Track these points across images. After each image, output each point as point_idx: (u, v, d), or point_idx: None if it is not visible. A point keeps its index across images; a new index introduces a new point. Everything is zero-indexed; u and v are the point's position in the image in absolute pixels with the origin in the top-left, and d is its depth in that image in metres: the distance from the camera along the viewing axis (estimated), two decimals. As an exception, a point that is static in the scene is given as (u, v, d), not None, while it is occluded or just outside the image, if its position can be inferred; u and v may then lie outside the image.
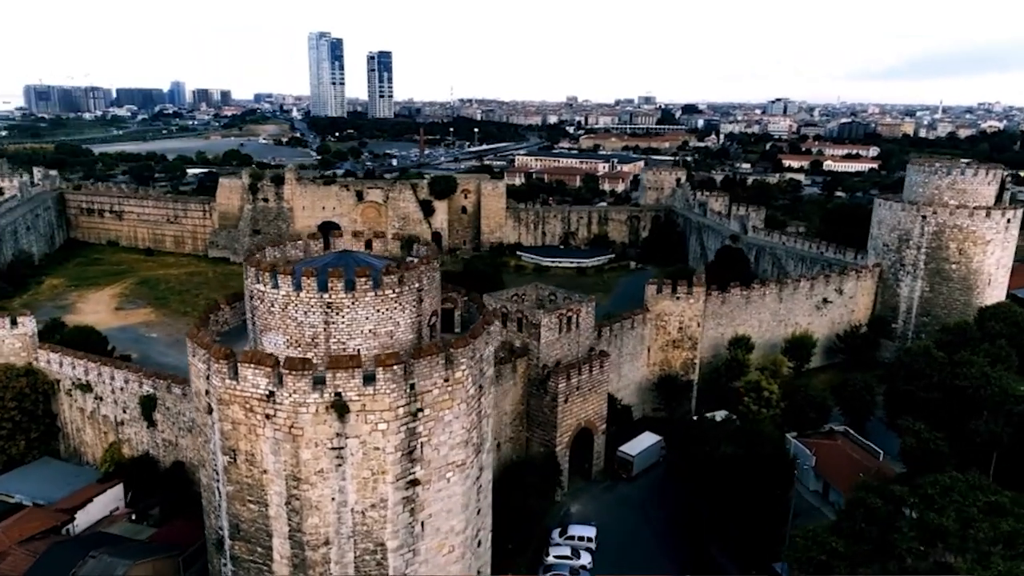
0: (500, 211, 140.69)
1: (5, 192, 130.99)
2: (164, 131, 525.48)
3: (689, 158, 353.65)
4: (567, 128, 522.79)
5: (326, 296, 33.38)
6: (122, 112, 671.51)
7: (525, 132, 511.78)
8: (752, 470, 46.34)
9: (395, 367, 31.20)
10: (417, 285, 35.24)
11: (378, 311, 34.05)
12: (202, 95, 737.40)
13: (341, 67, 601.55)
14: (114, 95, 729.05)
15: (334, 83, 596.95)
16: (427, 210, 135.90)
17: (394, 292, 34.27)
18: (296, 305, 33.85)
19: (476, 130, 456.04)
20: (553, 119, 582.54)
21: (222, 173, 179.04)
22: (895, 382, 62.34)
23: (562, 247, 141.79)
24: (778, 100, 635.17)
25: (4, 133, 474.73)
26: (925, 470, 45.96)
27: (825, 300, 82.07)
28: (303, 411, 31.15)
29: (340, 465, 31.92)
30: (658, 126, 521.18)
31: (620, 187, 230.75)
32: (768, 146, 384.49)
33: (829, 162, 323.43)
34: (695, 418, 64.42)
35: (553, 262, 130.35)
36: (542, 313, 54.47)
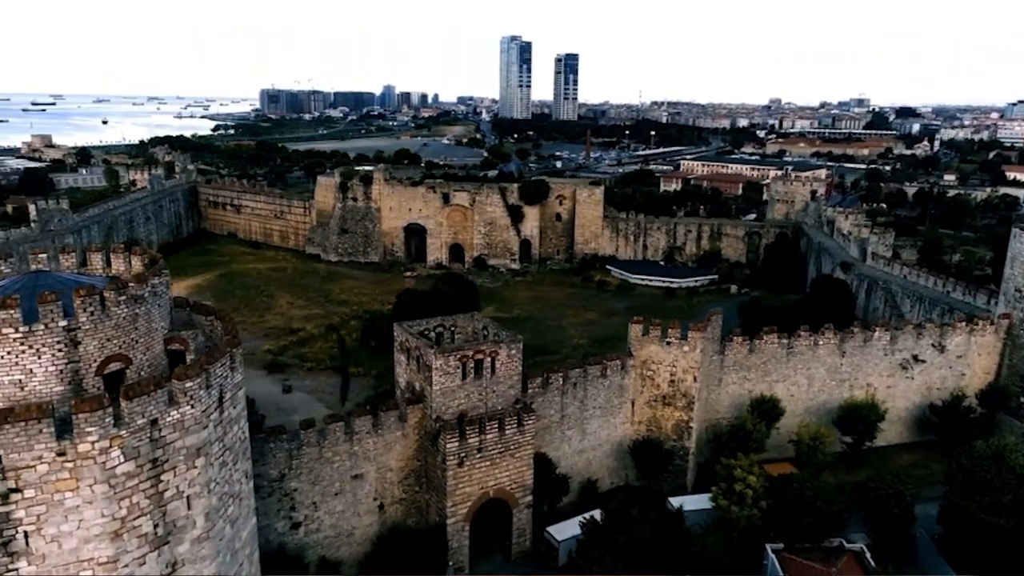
0: (596, 220, 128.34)
1: (138, 184, 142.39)
2: (364, 131, 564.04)
3: (888, 167, 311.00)
4: (757, 132, 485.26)
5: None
6: (336, 114, 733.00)
7: (708, 135, 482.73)
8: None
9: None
10: (64, 323, 27.25)
11: (-1, 355, 26.43)
12: (405, 98, 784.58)
13: (528, 70, 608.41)
14: (331, 98, 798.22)
15: (521, 85, 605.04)
16: (516, 216, 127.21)
17: (17, 331, 26.55)
18: None
19: (653, 133, 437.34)
20: (744, 122, 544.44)
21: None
22: (951, 490, 43.66)
23: (663, 263, 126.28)
24: (1021, 102, 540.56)
25: (232, 131, 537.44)
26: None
27: (916, 358, 61.94)
28: None
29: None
30: (863, 131, 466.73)
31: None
32: (992, 155, 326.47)
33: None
34: (670, 502, 50.09)
35: (641, 279, 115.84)
36: (435, 353, 44.05)
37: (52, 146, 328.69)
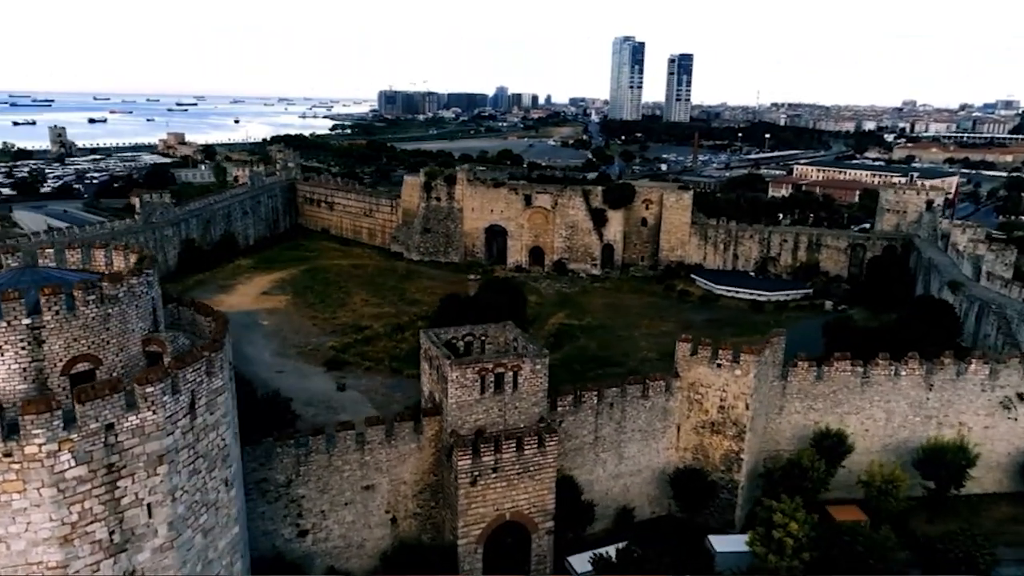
0: (683, 226, 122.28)
1: (240, 180, 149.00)
2: (473, 132, 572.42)
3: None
4: (884, 136, 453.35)
5: None
6: (448, 114, 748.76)
7: (829, 139, 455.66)
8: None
9: None
10: (28, 321, 26.87)
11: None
12: (516, 99, 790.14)
13: (640, 70, 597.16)
14: (445, 99, 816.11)
15: (632, 86, 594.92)
16: (599, 219, 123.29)
17: (-29, 326, 26.28)
18: None
19: (767, 136, 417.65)
20: (870, 125, 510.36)
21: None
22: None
23: (754, 274, 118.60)
24: None
25: (348, 131, 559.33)
26: None
27: (1021, 396, 53.81)
28: None
29: None
30: (1008, 136, 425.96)
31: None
32: None
33: None
34: (708, 541, 45.52)
35: (726, 291, 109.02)
36: (452, 364, 41.78)
37: (184, 143, 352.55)
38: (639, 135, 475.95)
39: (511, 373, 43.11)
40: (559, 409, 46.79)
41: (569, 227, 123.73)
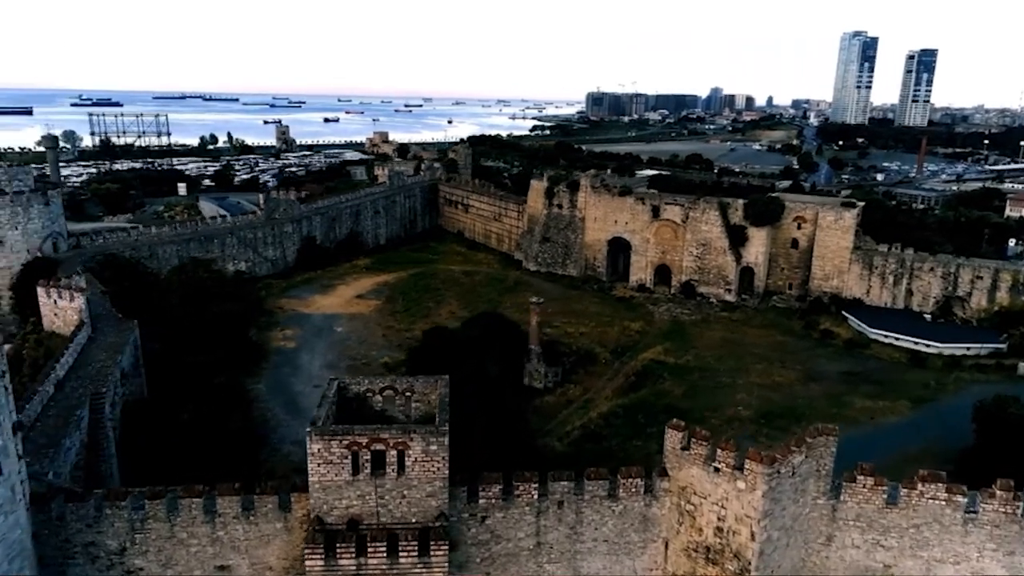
0: (842, 251, 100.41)
1: (379, 179, 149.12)
2: (675, 134, 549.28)
3: None
4: None
5: None
6: (654, 116, 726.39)
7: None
8: None
9: None
10: None
11: None
12: (728, 101, 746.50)
13: (870, 69, 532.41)
14: (652, 101, 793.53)
15: (858, 86, 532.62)
16: (737, 238, 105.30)
17: None
18: None
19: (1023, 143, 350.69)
20: None
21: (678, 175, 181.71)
22: None
23: (931, 317, 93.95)
24: None
25: (548, 132, 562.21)
26: None
27: None
28: None
29: None
30: None
31: None
32: None
33: None
34: None
35: (883, 335, 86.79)
36: (312, 434, 32.07)
37: (386, 142, 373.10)
38: (861, 140, 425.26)
39: (394, 452, 32.48)
40: (481, 502, 35.18)
41: (701, 244, 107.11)
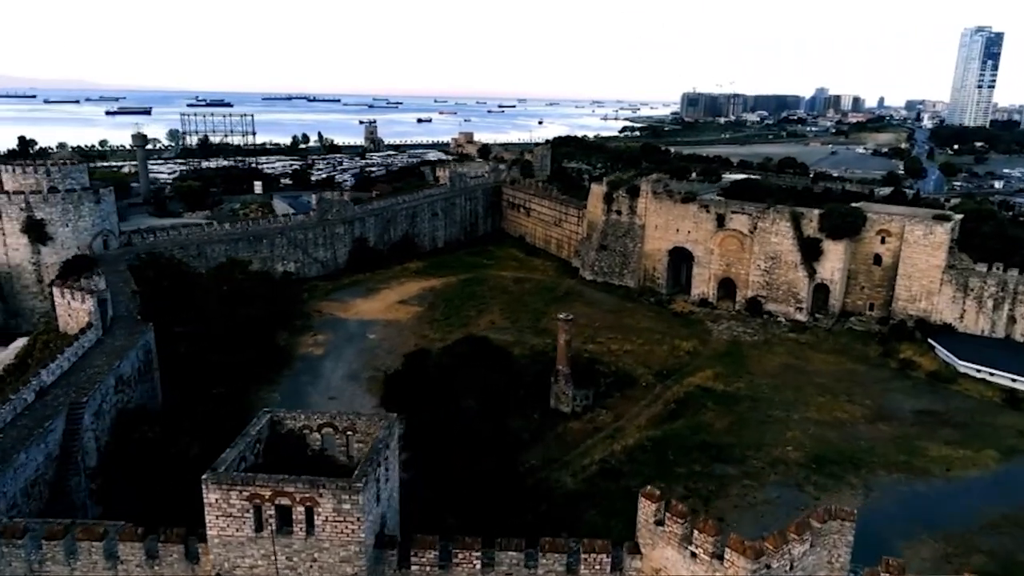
0: (933, 270, 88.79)
1: (440, 180, 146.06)
2: (772, 136, 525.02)
3: None
4: None
5: None
6: (752, 117, 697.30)
7: None
8: None
9: None
10: None
11: None
12: (834, 101, 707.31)
13: (994, 67, 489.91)
14: (751, 102, 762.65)
15: (980, 86, 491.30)
16: (811, 252, 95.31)
17: None
18: None
19: None
20: None
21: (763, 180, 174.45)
22: None
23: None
24: None
25: (637, 133, 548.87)
26: None
27: None
28: None
29: None
30: None
31: None
32: None
33: None
34: None
35: (974, 368, 75.39)
36: (208, 481, 27.66)
37: (471, 142, 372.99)
38: (980, 144, 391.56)
39: (302, 508, 27.66)
40: (414, 568, 29.88)
41: (770, 258, 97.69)
